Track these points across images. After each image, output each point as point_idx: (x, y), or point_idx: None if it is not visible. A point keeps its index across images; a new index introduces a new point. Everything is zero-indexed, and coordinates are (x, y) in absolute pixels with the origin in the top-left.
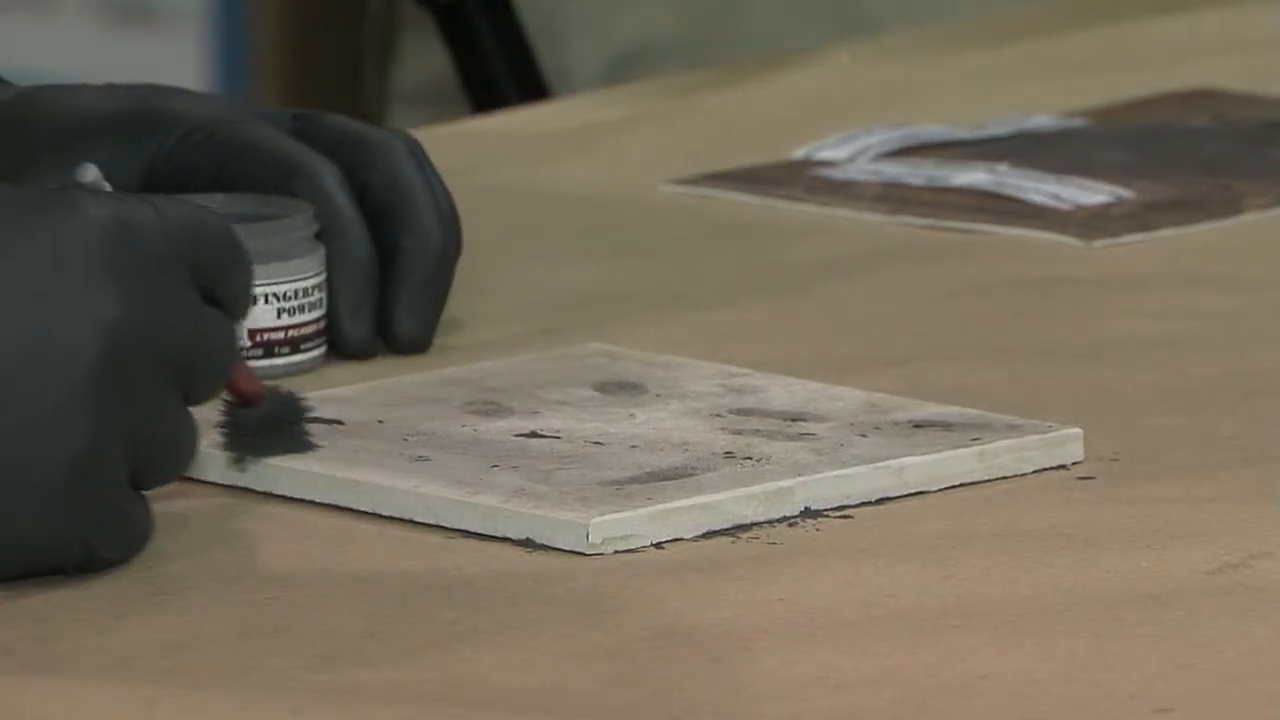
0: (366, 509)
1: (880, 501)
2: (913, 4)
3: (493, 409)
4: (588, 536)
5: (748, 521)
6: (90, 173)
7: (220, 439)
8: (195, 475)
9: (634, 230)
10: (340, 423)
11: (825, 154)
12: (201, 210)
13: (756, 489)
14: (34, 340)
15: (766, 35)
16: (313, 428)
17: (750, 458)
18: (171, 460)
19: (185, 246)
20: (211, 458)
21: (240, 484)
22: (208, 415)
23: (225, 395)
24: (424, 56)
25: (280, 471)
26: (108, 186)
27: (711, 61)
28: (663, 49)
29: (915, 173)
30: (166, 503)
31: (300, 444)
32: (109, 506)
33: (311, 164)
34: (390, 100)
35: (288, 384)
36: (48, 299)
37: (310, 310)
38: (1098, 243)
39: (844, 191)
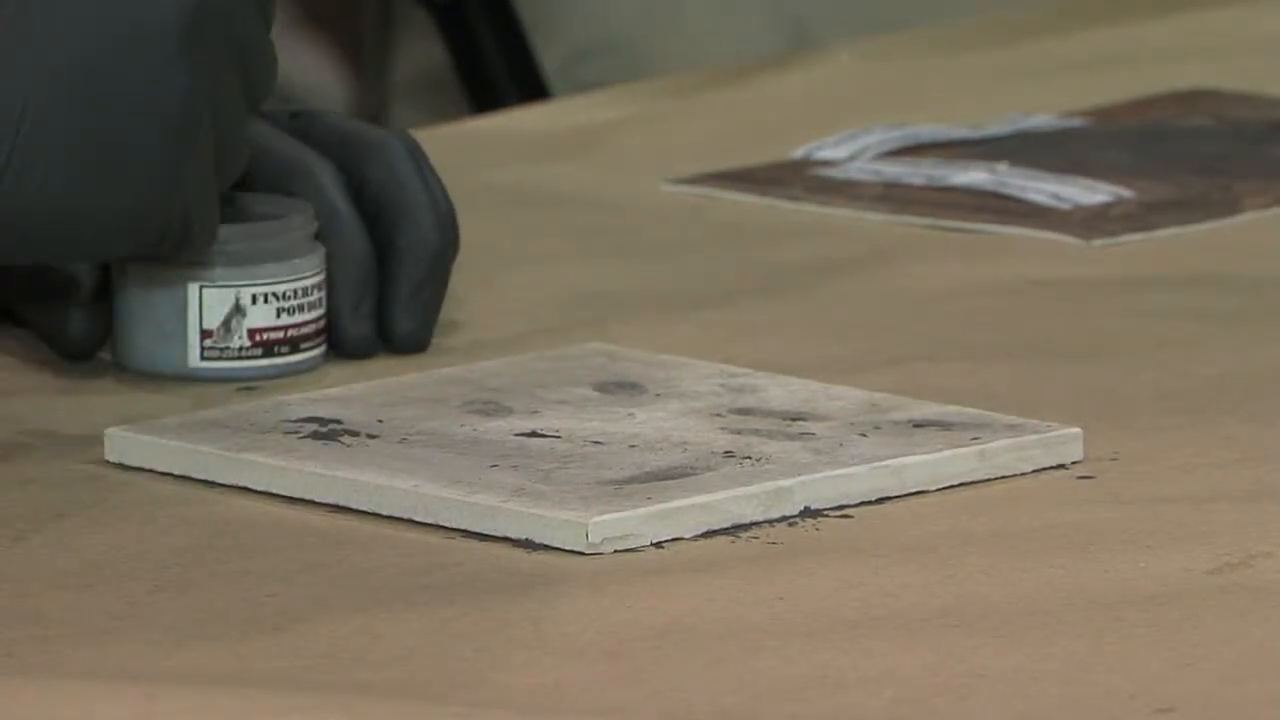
0: (366, 509)
1: (880, 501)
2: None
3: (493, 409)
4: (587, 536)
5: (747, 521)
6: None
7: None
8: (198, 474)
9: (634, 230)
10: (339, 422)
11: (825, 154)
12: None
13: (756, 489)
14: (123, 21)
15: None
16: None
17: (750, 457)
18: (239, 154)
19: None
20: (214, 457)
21: (240, 483)
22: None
23: None
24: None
25: (281, 471)
26: None
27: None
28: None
29: (915, 172)
30: (168, 503)
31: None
32: (202, 182)
33: (310, 163)
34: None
35: (287, 385)
36: None
37: (310, 310)
38: (1098, 243)
39: (844, 191)
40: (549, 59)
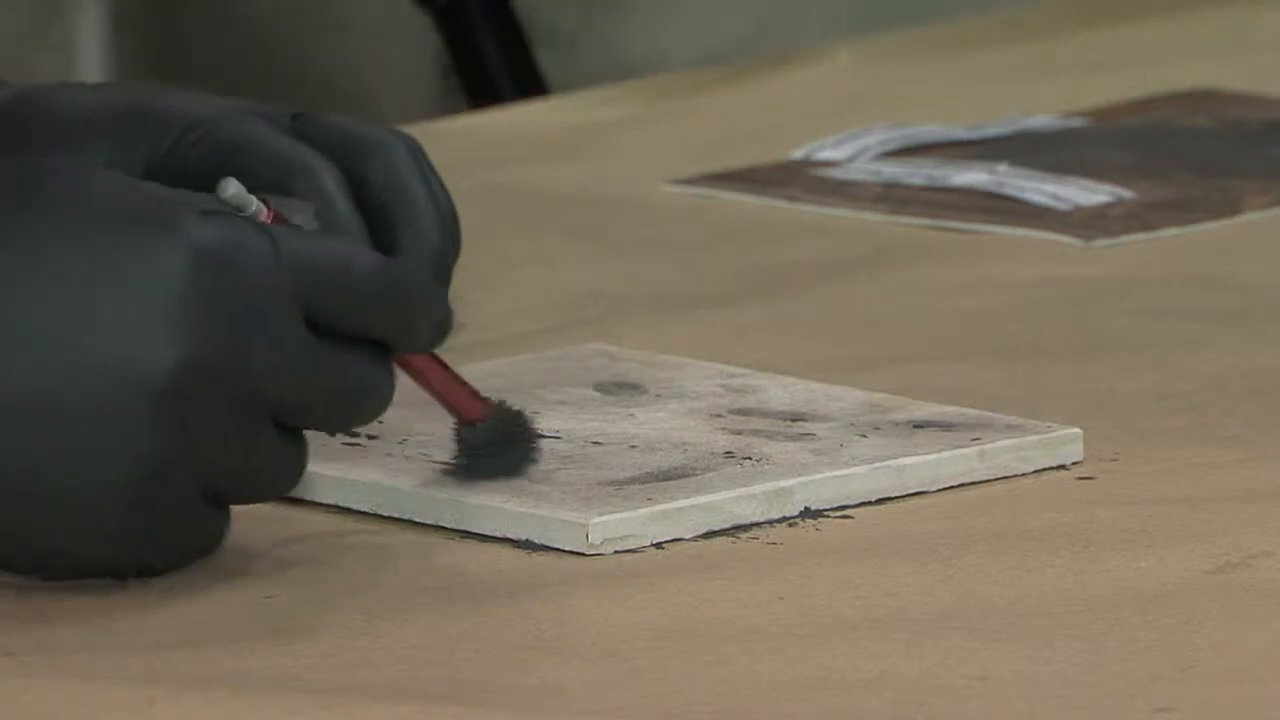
0: (366, 509)
1: (880, 501)
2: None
3: None
4: (588, 536)
5: (748, 521)
6: (231, 187)
7: (452, 459)
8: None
9: (634, 230)
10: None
11: (825, 154)
12: (332, 245)
13: (756, 489)
14: (105, 366)
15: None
16: (541, 445)
17: (750, 458)
18: (253, 485)
19: (291, 281)
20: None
21: None
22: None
23: (450, 417)
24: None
25: None
26: (254, 203)
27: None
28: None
29: (915, 173)
30: None
31: (523, 464)
32: (168, 526)
33: (310, 163)
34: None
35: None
36: (124, 324)
37: None
38: (1098, 243)
39: (844, 191)
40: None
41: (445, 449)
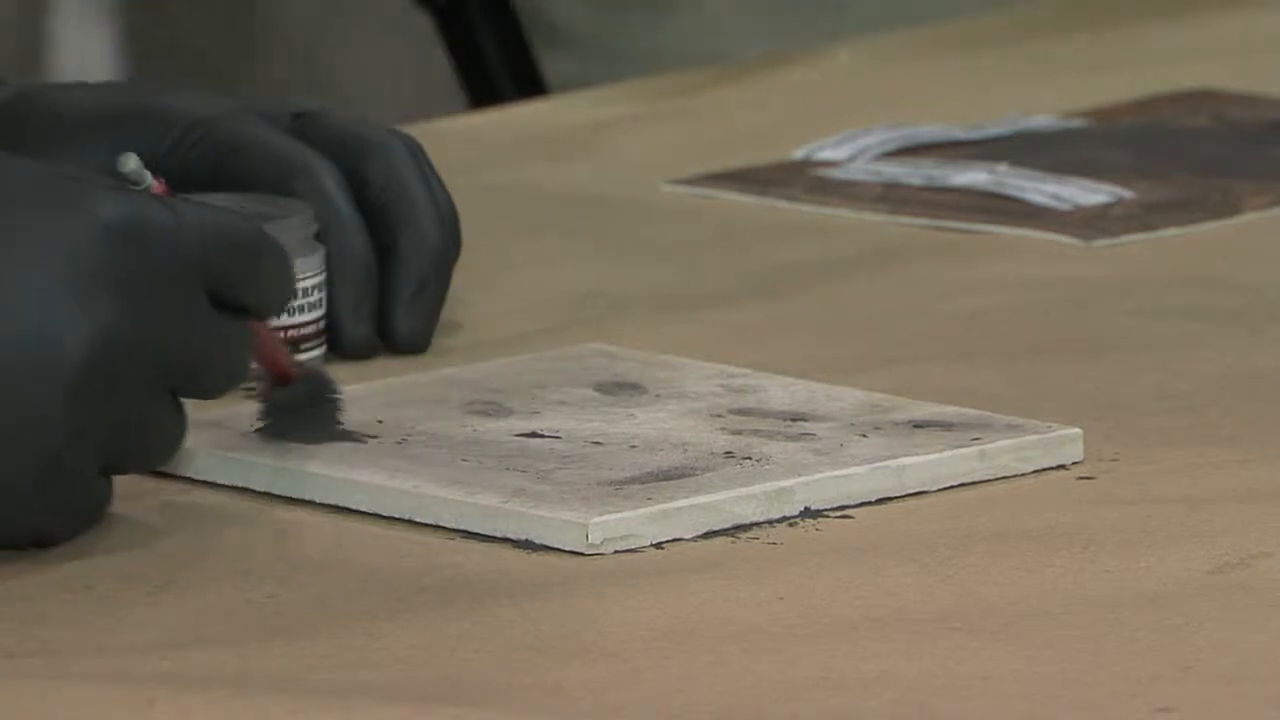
0: (366, 509)
1: (880, 501)
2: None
3: (493, 409)
4: (588, 536)
5: (748, 521)
6: (130, 162)
7: (253, 416)
8: (199, 476)
9: (634, 230)
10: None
11: (825, 154)
12: (225, 215)
13: (756, 489)
14: (19, 342)
15: None
16: (344, 412)
17: (750, 458)
18: (147, 455)
19: (197, 254)
20: (214, 458)
21: (240, 484)
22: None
23: (259, 373)
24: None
25: (280, 471)
26: (149, 178)
27: None
28: None
29: (915, 173)
30: (168, 504)
31: (328, 427)
32: (71, 498)
33: (310, 163)
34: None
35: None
36: (37, 302)
37: (310, 310)
38: (1098, 243)
39: (844, 191)
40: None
41: (446, 449)
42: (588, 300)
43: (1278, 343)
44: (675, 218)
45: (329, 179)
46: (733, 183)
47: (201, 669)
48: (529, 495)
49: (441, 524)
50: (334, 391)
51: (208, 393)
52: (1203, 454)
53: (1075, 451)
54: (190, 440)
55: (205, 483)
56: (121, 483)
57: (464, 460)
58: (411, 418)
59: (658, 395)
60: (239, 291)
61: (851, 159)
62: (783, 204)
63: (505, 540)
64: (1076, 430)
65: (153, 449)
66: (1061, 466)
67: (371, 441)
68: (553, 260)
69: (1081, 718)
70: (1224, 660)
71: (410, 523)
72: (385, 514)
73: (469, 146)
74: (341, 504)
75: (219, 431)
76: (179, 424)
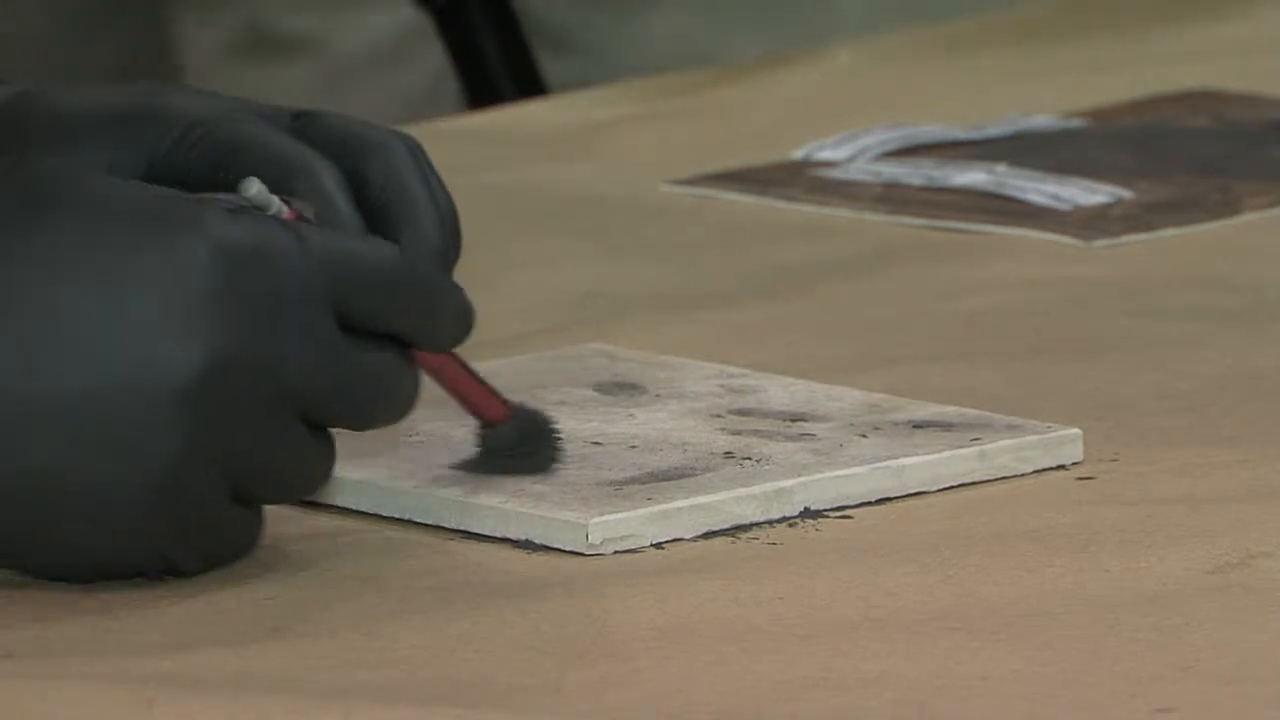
0: (366, 509)
1: (880, 502)
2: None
3: None
4: (588, 537)
5: (747, 522)
6: (253, 186)
7: (472, 460)
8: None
9: (634, 230)
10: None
11: (825, 154)
12: (360, 242)
13: (756, 489)
14: (131, 363)
15: None
16: (563, 445)
17: (750, 458)
18: (281, 483)
19: (321, 277)
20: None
21: None
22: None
23: (471, 417)
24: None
25: None
26: (275, 202)
27: None
28: None
29: (915, 173)
30: None
31: (545, 463)
32: (192, 525)
33: (310, 163)
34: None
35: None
36: (148, 326)
37: None
38: (1098, 243)
39: (844, 191)
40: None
41: (446, 449)
42: (588, 300)
43: (1278, 343)
44: (675, 218)
45: (329, 179)
46: (733, 183)
47: (201, 669)
48: (529, 495)
49: (441, 524)
50: (547, 425)
51: (350, 422)
52: (1203, 454)
53: (1075, 452)
54: None
55: None
56: None
57: (464, 460)
58: (412, 418)
59: (658, 395)
60: (379, 320)
61: (851, 159)
62: (783, 204)
63: (505, 540)
64: (1076, 430)
65: (289, 477)
66: (1061, 467)
67: (373, 442)
68: (553, 260)
69: (1081, 718)
70: (1224, 660)
71: (410, 523)
72: (385, 514)
73: (469, 146)
74: (342, 504)
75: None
76: (322, 454)
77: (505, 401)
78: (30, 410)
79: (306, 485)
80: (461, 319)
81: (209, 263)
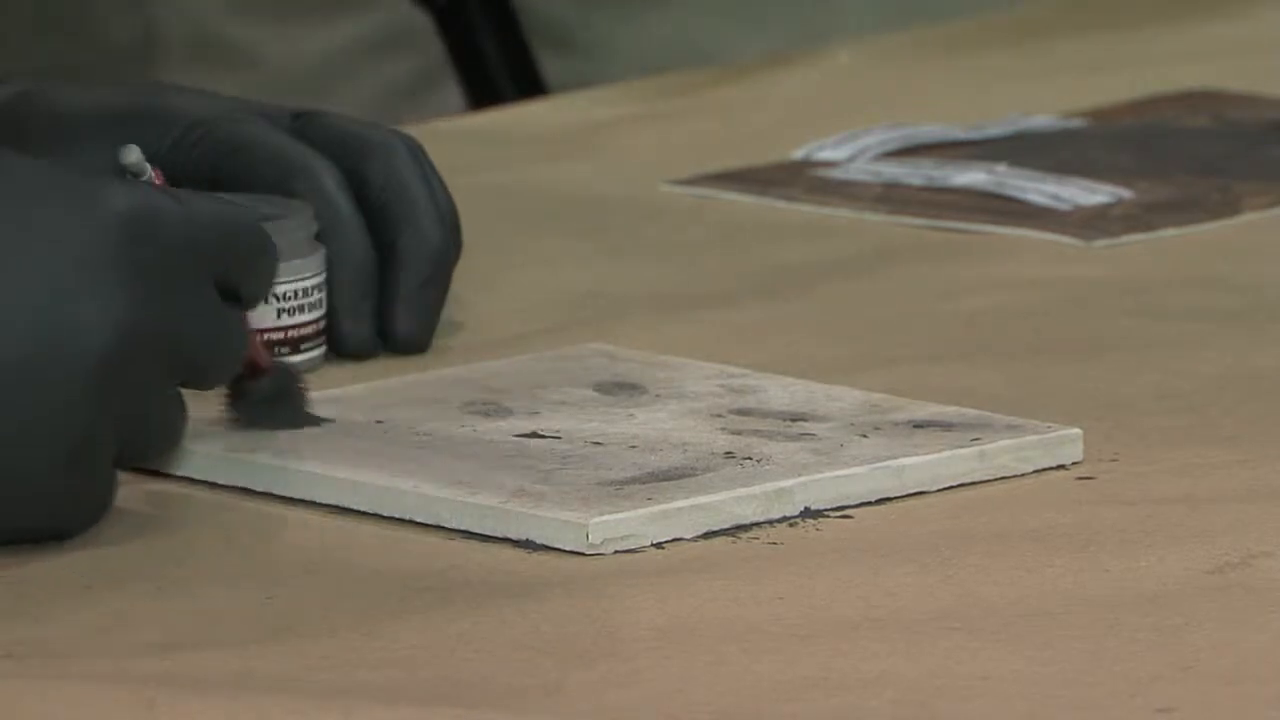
0: (366, 509)
1: (880, 502)
2: None
3: (493, 409)
4: (588, 537)
5: (748, 522)
6: (133, 154)
7: (224, 408)
8: (199, 475)
9: (634, 230)
10: (331, 421)
11: (825, 154)
12: (231, 207)
13: (756, 489)
14: (39, 335)
15: None
16: (313, 402)
17: (750, 458)
18: (155, 445)
19: (208, 244)
20: (214, 458)
21: (241, 484)
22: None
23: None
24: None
25: (280, 471)
26: (149, 170)
27: None
28: None
29: (915, 173)
30: (169, 504)
31: (300, 418)
32: (91, 491)
33: (311, 163)
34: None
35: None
36: (58, 292)
37: (310, 310)
38: (1098, 243)
39: (844, 191)
40: None
41: (446, 449)
42: (588, 300)
43: (1278, 343)
44: (675, 218)
45: (329, 179)
46: (733, 183)
47: (201, 669)
48: (529, 495)
49: (441, 524)
50: (301, 382)
51: (210, 383)
52: (1203, 454)
53: (1075, 452)
54: (191, 441)
55: (206, 483)
56: (121, 483)
57: (464, 460)
58: (411, 418)
59: (658, 395)
60: (241, 282)
61: (851, 159)
62: (783, 204)
63: (505, 540)
64: (1076, 430)
65: (159, 440)
66: (1061, 467)
67: (328, 425)
68: (553, 260)
69: (1081, 718)
70: (1224, 660)
71: (410, 523)
72: (385, 514)
73: (469, 146)
74: (341, 504)
75: (220, 431)
76: (183, 415)
77: (271, 357)
78: None
79: (173, 446)
80: (272, 270)
81: (109, 232)
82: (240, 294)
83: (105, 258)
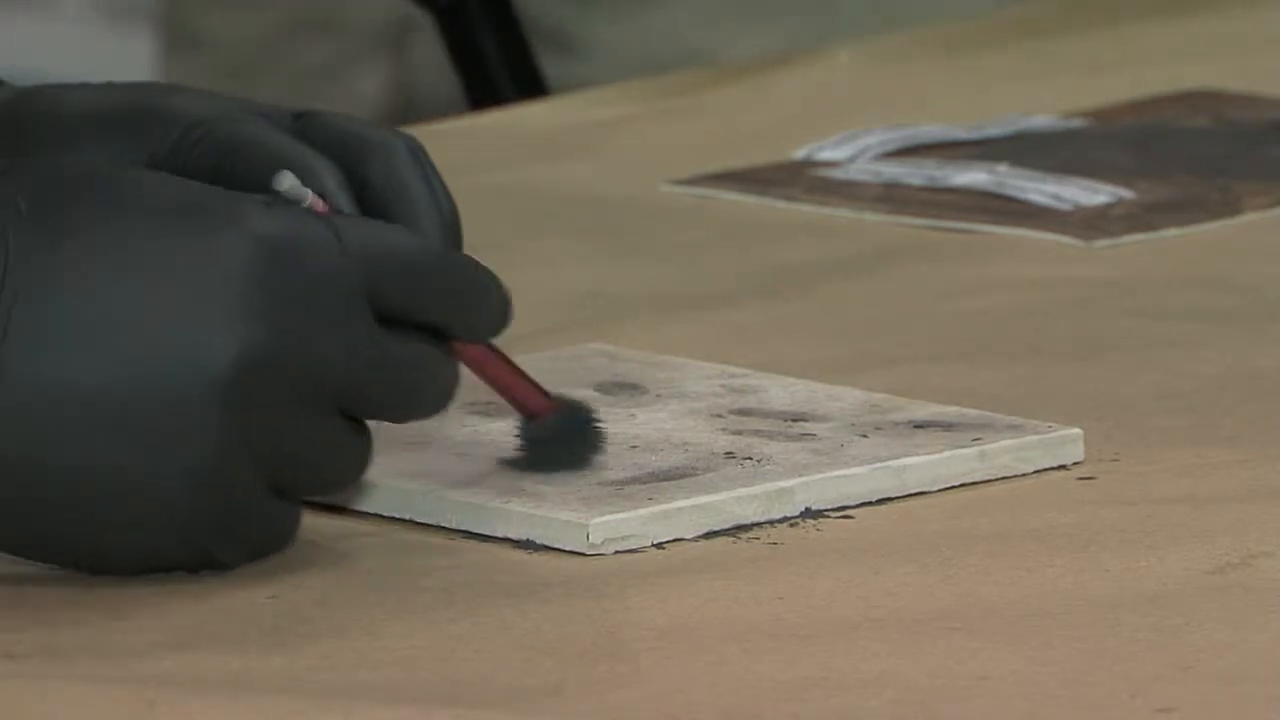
0: (367, 509)
1: (880, 502)
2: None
3: (493, 409)
4: (588, 537)
5: (748, 522)
6: (286, 180)
7: (514, 452)
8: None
9: (634, 230)
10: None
11: (825, 154)
12: (394, 233)
13: (757, 489)
14: (171, 358)
15: None
16: (601, 440)
17: (751, 458)
18: (319, 476)
19: (358, 270)
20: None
21: None
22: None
23: (513, 409)
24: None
25: None
26: (307, 195)
27: None
28: None
29: (915, 173)
30: None
31: (587, 456)
32: (234, 517)
33: (310, 163)
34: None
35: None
36: (190, 317)
37: None
38: (1098, 243)
39: (844, 191)
40: None
41: (445, 449)
42: (588, 300)
43: (1278, 343)
44: (675, 218)
45: (329, 179)
46: (733, 183)
47: (201, 669)
48: (529, 495)
49: (441, 524)
50: (593, 420)
51: (389, 414)
52: (1203, 454)
53: (1075, 452)
54: None
55: None
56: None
57: (464, 460)
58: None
59: (658, 395)
60: (416, 311)
61: (852, 159)
62: (783, 204)
63: (505, 540)
64: (1077, 430)
65: (328, 471)
66: (1062, 467)
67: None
68: (553, 260)
69: (1081, 718)
70: (1224, 660)
71: (410, 523)
72: (385, 514)
73: (469, 147)
74: (342, 504)
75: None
76: (359, 446)
77: (547, 394)
78: (66, 404)
79: (344, 477)
80: (500, 309)
81: (247, 256)
82: (433, 325)
83: (240, 283)
